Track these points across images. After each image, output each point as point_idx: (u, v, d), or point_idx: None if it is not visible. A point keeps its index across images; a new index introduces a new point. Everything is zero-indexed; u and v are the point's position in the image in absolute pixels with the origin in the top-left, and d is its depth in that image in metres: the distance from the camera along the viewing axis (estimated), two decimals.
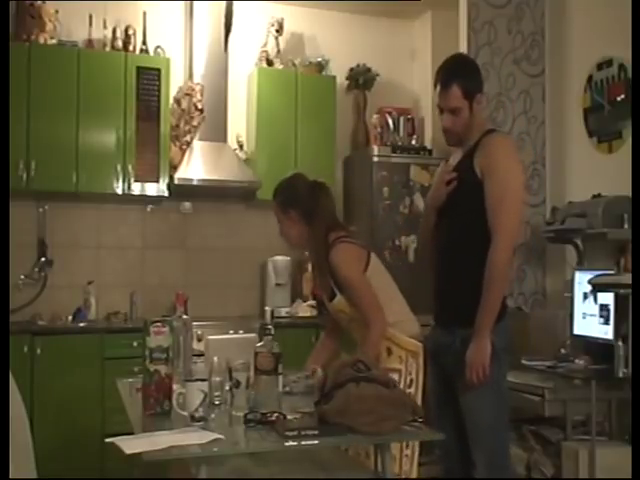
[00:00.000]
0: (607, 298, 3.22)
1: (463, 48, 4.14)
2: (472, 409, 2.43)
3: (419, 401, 2.41)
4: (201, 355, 2.46)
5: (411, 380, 2.45)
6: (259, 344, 2.25)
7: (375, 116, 5.09)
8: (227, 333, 4.29)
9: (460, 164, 2.53)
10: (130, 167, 4.50)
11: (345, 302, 2.59)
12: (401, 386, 2.40)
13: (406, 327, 2.55)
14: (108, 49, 4.64)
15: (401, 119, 5.06)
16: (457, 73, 2.54)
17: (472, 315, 2.38)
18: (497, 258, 2.35)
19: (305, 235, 2.65)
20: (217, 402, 2.13)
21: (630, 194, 2.76)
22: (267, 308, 2.38)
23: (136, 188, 4.54)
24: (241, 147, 4.99)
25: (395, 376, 2.41)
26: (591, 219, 3.46)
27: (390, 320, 2.52)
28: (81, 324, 4.34)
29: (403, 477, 2.41)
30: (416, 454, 2.43)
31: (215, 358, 2.17)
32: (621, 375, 3.04)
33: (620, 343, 3.05)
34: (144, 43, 4.71)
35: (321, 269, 2.62)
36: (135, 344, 3.93)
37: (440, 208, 2.58)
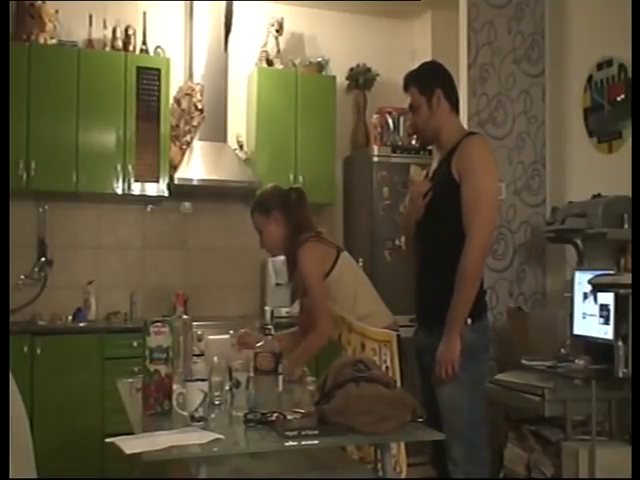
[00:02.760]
0: (607, 298, 3.21)
1: (463, 48, 4.14)
2: (450, 405, 2.48)
3: (398, 384, 2.46)
4: (201, 355, 2.46)
5: (387, 367, 2.55)
6: (259, 344, 2.25)
7: (375, 116, 5.09)
8: (227, 333, 4.28)
9: (439, 167, 2.59)
10: (130, 167, 4.50)
11: None
12: None
13: (378, 319, 2.65)
14: (108, 49, 4.64)
15: (401, 119, 5.05)
16: (413, 75, 2.68)
17: (445, 313, 2.45)
18: (468, 259, 2.41)
19: (282, 239, 2.72)
20: (217, 402, 2.13)
21: (630, 194, 2.76)
22: (267, 308, 2.38)
23: (136, 188, 4.54)
24: (241, 147, 4.99)
25: None
26: (591, 219, 3.46)
27: (361, 313, 2.63)
28: (81, 324, 4.34)
29: (403, 477, 2.41)
30: (403, 453, 2.50)
31: (215, 358, 2.17)
32: (621, 375, 3.03)
33: (620, 343, 3.05)
34: (144, 43, 4.71)
35: (291, 269, 2.72)
36: (135, 344, 3.93)
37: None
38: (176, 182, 4.55)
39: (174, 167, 4.63)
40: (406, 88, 2.67)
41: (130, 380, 2.63)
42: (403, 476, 2.49)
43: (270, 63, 5.02)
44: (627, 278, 2.87)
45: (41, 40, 4.41)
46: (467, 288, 2.42)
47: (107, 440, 1.84)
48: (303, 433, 1.85)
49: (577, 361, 3.34)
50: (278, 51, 5.03)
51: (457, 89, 2.72)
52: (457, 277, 2.42)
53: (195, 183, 4.60)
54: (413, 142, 5.14)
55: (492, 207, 2.52)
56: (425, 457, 2.79)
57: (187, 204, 4.94)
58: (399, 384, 2.47)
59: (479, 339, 2.50)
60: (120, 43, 4.65)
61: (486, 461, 2.58)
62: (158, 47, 4.76)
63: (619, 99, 3.68)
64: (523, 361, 3.52)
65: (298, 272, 2.65)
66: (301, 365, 2.51)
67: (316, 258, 2.64)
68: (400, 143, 4.99)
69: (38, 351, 4.01)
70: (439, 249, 2.54)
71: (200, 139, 4.74)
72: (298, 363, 2.48)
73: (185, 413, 2.03)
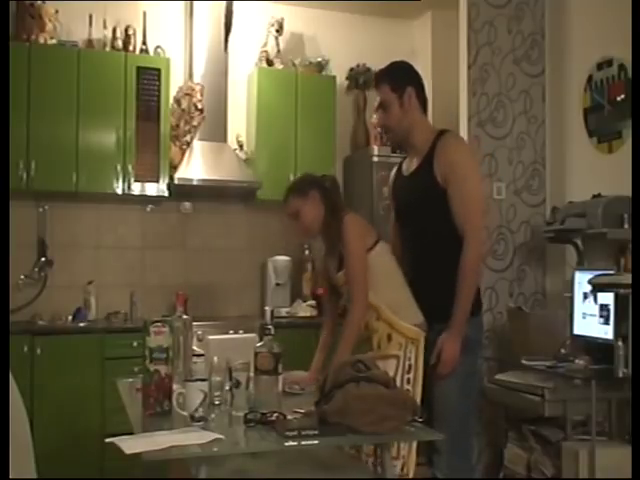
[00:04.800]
0: (607, 298, 3.21)
1: (463, 48, 4.13)
2: (440, 396, 2.52)
3: (418, 387, 2.50)
4: (201, 355, 2.46)
5: (409, 366, 2.52)
6: (259, 344, 2.25)
7: (375, 116, 5.08)
8: (227, 333, 4.28)
9: (420, 170, 2.62)
10: (130, 167, 4.51)
11: None
12: (399, 372, 2.48)
13: (408, 315, 2.57)
14: (108, 49, 4.64)
15: None
16: (385, 72, 2.72)
17: (446, 310, 2.49)
18: (469, 258, 2.49)
19: (321, 218, 2.67)
20: (217, 402, 2.13)
21: (630, 194, 2.76)
22: (267, 308, 2.38)
23: (136, 188, 4.54)
24: (241, 147, 4.99)
25: (393, 362, 2.48)
26: (591, 219, 3.46)
27: (391, 304, 2.56)
28: (81, 324, 4.34)
29: (403, 477, 2.41)
30: (413, 454, 2.47)
31: (215, 358, 2.17)
32: (621, 375, 3.03)
33: (620, 343, 3.05)
34: (144, 43, 4.71)
35: (332, 240, 2.66)
36: (135, 344, 3.94)
37: (403, 216, 2.74)
38: (176, 182, 4.55)
39: (174, 167, 4.63)
40: (377, 85, 2.69)
41: (130, 380, 2.63)
42: (411, 476, 2.48)
43: (270, 63, 5.02)
44: (627, 278, 2.87)
45: (41, 40, 4.41)
46: (470, 286, 2.50)
47: (107, 440, 1.84)
48: (303, 433, 1.85)
49: (577, 361, 3.34)
50: (278, 51, 5.03)
51: (426, 93, 2.74)
52: (460, 276, 2.48)
53: (195, 183, 4.60)
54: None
55: (482, 205, 2.65)
56: (425, 457, 2.79)
57: (187, 204, 4.95)
58: (419, 387, 2.50)
59: (475, 334, 2.58)
60: (120, 43, 4.65)
61: (471, 454, 2.65)
62: (158, 47, 4.76)
63: (619, 99, 3.67)
64: (523, 361, 3.52)
65: (342, 244, 2.60)
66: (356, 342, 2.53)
67: (361, 231, 2.61)
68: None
69: (38, 351, 4.01)
70: (431, 251, 2.59)
71: (200, 139, 4.74)
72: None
73: (185, 413, 2.03)
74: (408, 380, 2.49)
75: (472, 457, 2.67)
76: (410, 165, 2.71)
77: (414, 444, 2.46)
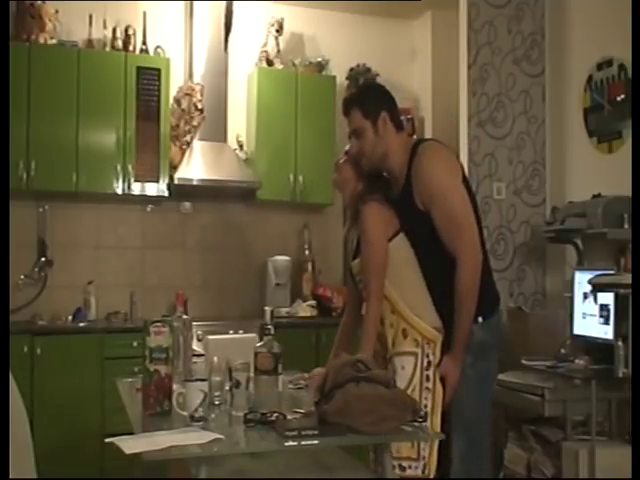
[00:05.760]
0: (607, 298, 3.21)
1: (463, 48, 4.14)
2: (455, 402, 2.42)
3: (438, 386, 2.41)
4: (201, 355, 2.46)
5: (429, 363, 2.41)
6: (259, 344, 2.25)
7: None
8: (227, 333, 4.27)
9: (400, 198, 2.48)
10: (130, 167, 4.51)
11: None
12: (417, 369, 2.39)
13: (427, 316, 2.46)
14: (108, 49, 4.64)
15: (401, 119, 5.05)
16: (356, 97, 2.59)
17: (442, 319, 2.43)
18: (464, 281, 2.35)
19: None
20: (217, 402, 2.13)
21: (630, 194, 2.76)
22: (267, 308, 2.37)
23: (136, 188, 4.54)
24: (241, 147, 4.99)
25: (411, 359, 2.40)
26: (591, 219, 3.46)
27: (409, 302, 2.45)
28: (81, 324, 4.34)
29: (403, 477, 2.41)
30: (434, 455, 2.40)
31: (215, 358, 2.17)
32: (621, 375, 3.03)
33: (620, 343, 3.05)
34: (144, 43, 4.71)
35: (353, 221, 2.58)
36: (135, 344, 3.93)
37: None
38: (176, 182, 4.55)
39: (174, 167, 4.63)
40: (347, 112, 2.54)
41: (130, 380, 2.62)
42: (431, 477, 2.44)
43: (270, 63, 5.02)
44: (627, 278, 2.87)
45: (41, 40, 4.41)
46: (468, 309, 2.37)
47: (107, 440, 1.84)
48: (303, 433, 1.84)
49: (577, 361, 3.34)
50: (278, 51, 5.03)
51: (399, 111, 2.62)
52: (456, 299, 2.36)
53: (195, 183, 4.60)
54: None
55: (471, 223, 2.41)
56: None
57: (187, 204, 4.95)
58: (439, 385, 2.41)
59: (489, 337, 2.46)
60: (120, 43, 4.65)
61: (485, 459, 2.56)
62: (158, 47, 4.76)
63: (619, 99, 3.68)
64: (523, 361, 3.52)
65: (358, 229, 2.52)
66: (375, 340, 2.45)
67: (381, 218, 2.48)
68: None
69: (38, 351, 4.01)
70: (427, 271, 2.48)
71: (200, 139, 4.74)
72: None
73: (185, 413, 2.03)
74: (427, 377, 2.39)
75: (487, 460, 2.59)
76: (394, 188, 2.57)
77: (435, 444, 2.38)
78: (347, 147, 2.66)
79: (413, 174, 2.43)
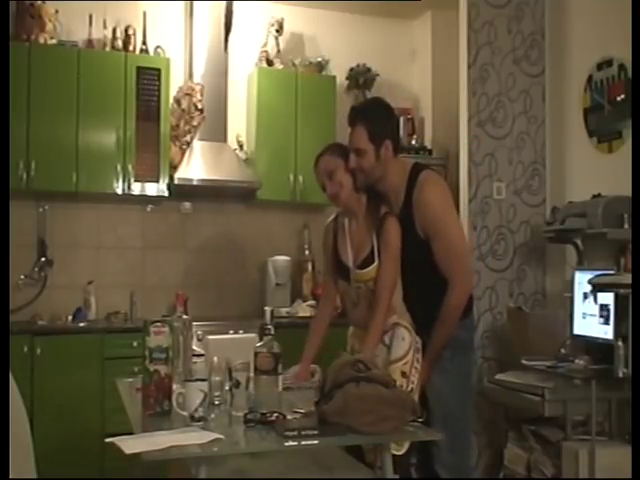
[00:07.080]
0: (607, 298, 3.21)
1: (463, 48, 4.13)
2: (436, 397, 2.55)
3: (425, 372, 2.56)
4: (201, 355, 2.46)
5: (417, 349, 2.55)
6: (259, 344, 2.25)
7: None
8: (227, 333, 4.28)
9: (403, 220, 2.56)
10: (130, 167, 4.51)
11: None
12: (412, 347, 2.52)
13: (406, 317, 2.62)
14: (108, 49, 4.64)
15: (401, 119, 5.05)
16: (365, 114, 2.58)
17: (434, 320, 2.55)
18: (452, 304, 2.52)
19: (355, 199, 2.62)
20: (217, 402, 2.13)
21: (630, 194, 2.76)
22: (267, 308, 2.37)
23: (136, 188, 4.54)
24: (241, 147, 4.99)
25: (408, 335, 2.54)
26: (591, 219, 3.46)
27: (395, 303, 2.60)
28: (81, 324, 4.34)
29: (403, 477, 2.41)
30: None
31: (215, 358, 2.17)
32: (621, 375, 3.03)
33: (620, 343, 3.05)
34: (144, 43, 4.71)
35: (369, 230, 2.61)
36: (135, 344, 3.93)
37: None
38: (176, 182, 4.55)
39: (174, 167, 4.63)
40: (352, 124, 2.58)
41: (130, 380, 2.63)
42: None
43: (270, 63, 5.02)
44: (627, 278, 2.87)
45: (41, 40, 4.41)
46: (450, 327, 2.53)
47: (107, 440, 1.84)
48: (303, 433, 1.85)
49: (577, 361, 3.34)
50: (278, 51, 5.03)
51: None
52: (440, 318, 2.51)
53: (195, 183, 4.60)
54: (413, 142, 5.16)
55: (464, 252, 2.64)
56: (419, 456, 2.79)
57: (187, 204, 4.95)
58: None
59: (467, 334, 2.66)
60: (120, 43, 4.65)
61: (470, 454, 2.70)
62: (158, 47, 4.76)
63: (619, 99, 3.67)
64: (523, 361, 3.52)
65: (381, 239, 2.57)
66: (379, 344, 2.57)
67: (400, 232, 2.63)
68: (400, 143, 4.98)
69: (38, 351, 4.01)
70: (412, 291, 2.60)
71: (200, 139, 4.74)
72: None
73: (185, 413, 2.03)
74: (417, 359, 2.52)
75: (471, 457, 2.69)
76: (394, 207, 2.64)
77: None
78: (327, 145, 2.70)
79: (415, 204, 2.54)
